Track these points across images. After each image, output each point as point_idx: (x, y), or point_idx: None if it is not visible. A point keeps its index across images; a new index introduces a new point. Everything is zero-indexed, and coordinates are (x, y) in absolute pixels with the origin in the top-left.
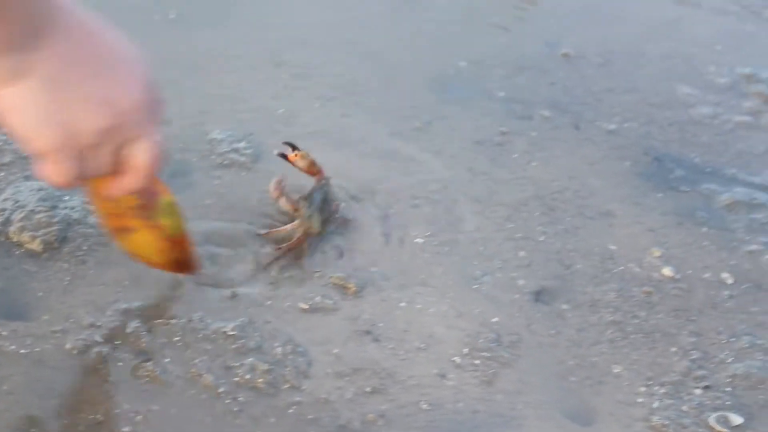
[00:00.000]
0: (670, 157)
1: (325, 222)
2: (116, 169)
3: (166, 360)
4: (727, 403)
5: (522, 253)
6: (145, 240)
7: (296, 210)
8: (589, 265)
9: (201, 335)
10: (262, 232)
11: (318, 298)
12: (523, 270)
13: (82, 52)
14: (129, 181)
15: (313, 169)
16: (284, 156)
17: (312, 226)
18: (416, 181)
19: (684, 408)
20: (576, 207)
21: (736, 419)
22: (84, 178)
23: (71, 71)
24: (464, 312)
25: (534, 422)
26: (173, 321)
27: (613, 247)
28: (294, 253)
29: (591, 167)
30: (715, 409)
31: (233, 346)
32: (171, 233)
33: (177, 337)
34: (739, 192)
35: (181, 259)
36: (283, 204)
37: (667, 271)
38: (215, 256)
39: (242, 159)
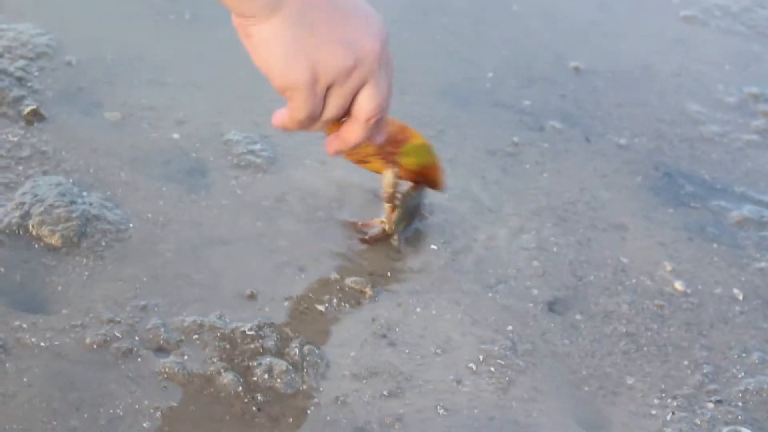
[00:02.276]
0: (681, 173)
1: (408, 224)
2: (345, 115)
3: (185, 357)
4: (739, 417)
5: (536, 263)
6: (376, 168)
7: (393, 210)
8: (602, 277)
9: (219, 334)
10: (365, 237)
11: (335, 301)
12: (536, 280)
13: None
14: (353, 131)
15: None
16: None
17: (397, 227)
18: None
19: (697, 421)
20: (588, 219)
21: None
22: (315, 122)
23: (316, 12)
24: (479, 319)
25: (548, 430)
26: (191, 318)
27: (625, 260)
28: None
29: (602, 180)
30: (727, 424)
31: (251, 346)
32: (413, 168)
33: (195, 335)
34: (749, 209)
35: (422, 181)
36: (388, 207)
37: (678, 285)
38: (230, 255)
39: (258, 161)
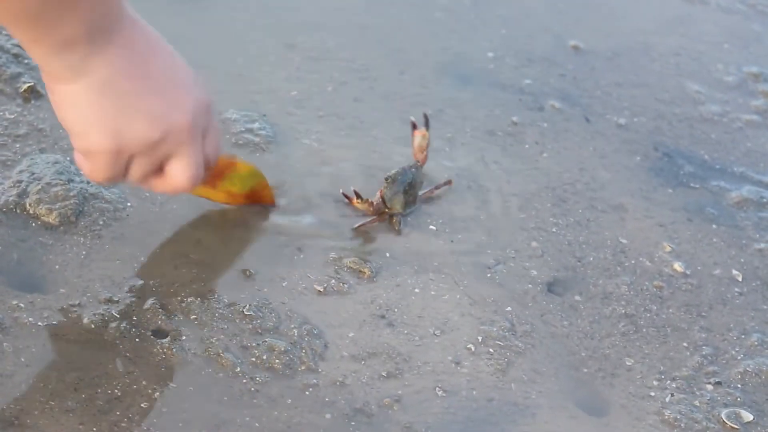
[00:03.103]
0: (680, 153)
1: (408, 203)
2: (153, 175)
3: (183, 338)
4: (738, 399)
5: (534, 244)
6: (209, 195)
7: (381, 196)
8: (601, 258)
9: (217, 314)
10: (354, 226)
11: (333, 281)
12: (536, 260)
13: (142, 65)
14: (165, 189)
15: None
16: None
17: (394, 208)
18: (428, 168)
19: (696, 403)
20: (587, 199)
21: (748, 416)
22: (118, 181)
23: (126, 81)
24: (478, 300)
25: (547, 411)
26: (189, 299)
27: (624, 241)
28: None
29: (602, 160)
30: (727, 405)
31: (249, 326)
32: (243, 192)
33: (194, 315)
34: (748, 190)
35: (255, 200)
36: (362, 206)
37: (677, 266)
38: (229, 236)
39: (257, 140)
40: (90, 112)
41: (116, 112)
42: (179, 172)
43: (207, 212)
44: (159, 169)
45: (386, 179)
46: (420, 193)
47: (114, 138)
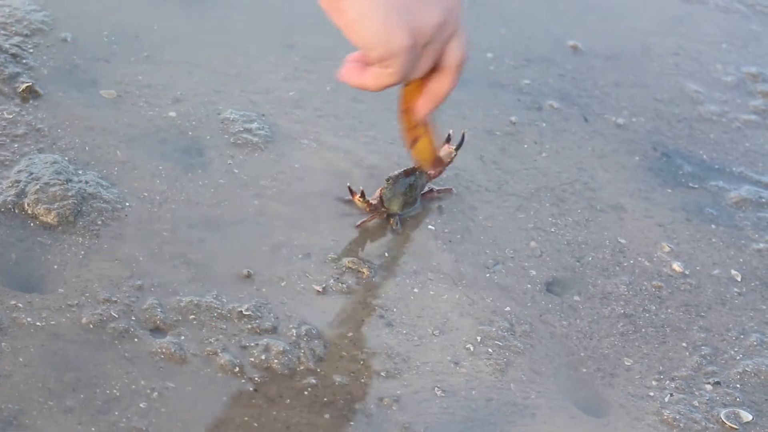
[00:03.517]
0: (679, 153)
1: (407, 204)
2: (434, 69)
3: (182, 338)
4: (737, 399)
5: (533, 244)
6: (425, 146)
7: (381, 193)
8: (600, 258)
9: (216, 314)
10: (357, 224)
11: (332, 281)
12: (534, 260)
13: None
14: (449, 79)
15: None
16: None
17: (391, 208)
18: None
19: (695, 403)
20: (586, 199)
21: (747, 416)
22: (409, 79)
23: None
24: (477, 300)
25: (546, 412)
26: (188, 298)
27: (623, 241)
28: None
29: (600, 160)
30: (726, 405)
31: (248, 326)
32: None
33: (192, 315)
34: (747, 190)
35: (441, 161)
36: (361, 204)
37: (676, 267)
38: (226, 235)
39: (255, 139)
40: (385, 14)
41: (405, 7)
42: (458, 48)
43: (205, 212)
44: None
45: (387, 180)
46: (421, 193)
47: (411, 32)
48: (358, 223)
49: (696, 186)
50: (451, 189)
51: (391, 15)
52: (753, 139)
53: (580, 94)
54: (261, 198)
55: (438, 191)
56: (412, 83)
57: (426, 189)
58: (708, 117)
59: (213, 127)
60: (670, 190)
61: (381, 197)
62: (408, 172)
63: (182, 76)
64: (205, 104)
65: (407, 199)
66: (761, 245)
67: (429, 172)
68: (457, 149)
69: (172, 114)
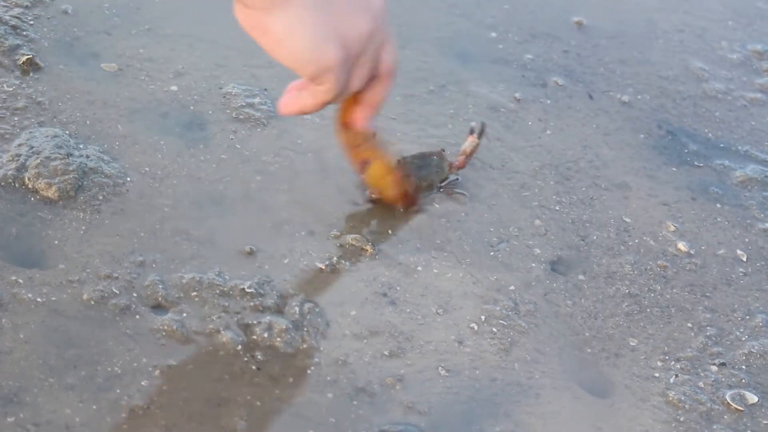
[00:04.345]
0: (684, 132)
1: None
2: (370, 79)
3: (184, 315)
4: (742, 380)
5: (538, 222)
6: (379, 170)
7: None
8: (605, 237)
9: (218, 291)
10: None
11: (335, 259)
12: (539, 239)
13: None
14: (383, 87)
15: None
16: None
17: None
18: (430, 144)
19: (700, 384)
20: (590, 177)
21: (752, 397)
22: (346, 93)
23: None
24: (481, 279)
25: (551, 392)
26: (190, 275)
27: (628, 220)
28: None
29: (605, 138)
30: (731, 387)
31: (251, 304)
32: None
33: (194, 292)
34: (753, 169)
35: (407, 193)
36: None
37: (682, 246)
38: (229, 211)
39: (257, 114)
40: (314, 29)
41: (331, 19)
42: (391, 53)
43: (207, 187)
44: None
45: (398, 161)
46: (440, 185)
47: (343, 45)
48: (370, 195)
49: (701, 165)
50: (465, 194)
51: (320, 29)
52: (759, 118)
53: (585, 71)
54: (263, 174)
55: (450, 192)
56: (347, 98)
57: (447, 180)
58: (713, 95)
59: (215, 102)
60: (675, 169)
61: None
62: (423, 156)
63: (184, 50)
64: (206, 78)
65: (420, 183)
66: (767, 225)
67: (451, 162)
68: (479, 137)
69: (174, 88)
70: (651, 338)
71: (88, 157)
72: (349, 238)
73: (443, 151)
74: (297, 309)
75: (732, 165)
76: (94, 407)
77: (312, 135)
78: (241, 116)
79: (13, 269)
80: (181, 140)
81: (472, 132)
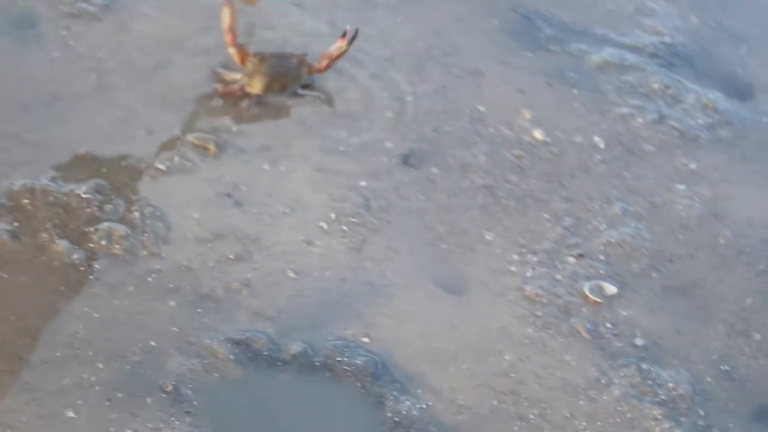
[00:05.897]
0: (539, 15)
1: (269, 88)
2: None
3: (15, 225)
4: (600, 271)
5: (389, 114)
6: None
7: (243, 63)
8: (459, 127)
9: (52, 198)
10: (218, 87)
11: (176, 159)
12: (390, 132)
13: None
14: None
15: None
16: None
17: (251, 86)
18: (275, 37)
19: (558, 277)
20: (444, 66)
21: (611, 289)
22: None
23: None
24: (330, 175)
25: (404, 291)
26: (21, 182)
27: (482, 109)
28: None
29: (458, 24)
30: (589, 278)
31: (87, 210)
32: None
33: (26, 200)
34: (610, 53)
35: None
36: (233, 54)
37: (537, 134)
38: (63, 112)
39: (92, 9)
40: None
41: None
42: None
43: (40, 88)
44: None
45: (254, 55)
46: (300, 92)
47: None
48: (219, 89)
49: (557, 49)
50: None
51: None
52: (616, 0)
53: None
54: (99, 72)
55: (314, 89)
56: None
57: (306, 82)
58: None
59: None
60: (530, 54)
61: (243, 66)
62: (283, 56)
63: None
64: None
65: (272, 83)
66: (624, 110)
67: (314, 65)
68: (349, 44)
69: None
70: (507, 231)
71: None
72: (191, 137)
73: (305, 55)
74: (137, 214)
75: (588, 49)
76: None
77: (151, 29)
78: (74, 11)
79: None
80: (10, 39)
81: (343, 36)
